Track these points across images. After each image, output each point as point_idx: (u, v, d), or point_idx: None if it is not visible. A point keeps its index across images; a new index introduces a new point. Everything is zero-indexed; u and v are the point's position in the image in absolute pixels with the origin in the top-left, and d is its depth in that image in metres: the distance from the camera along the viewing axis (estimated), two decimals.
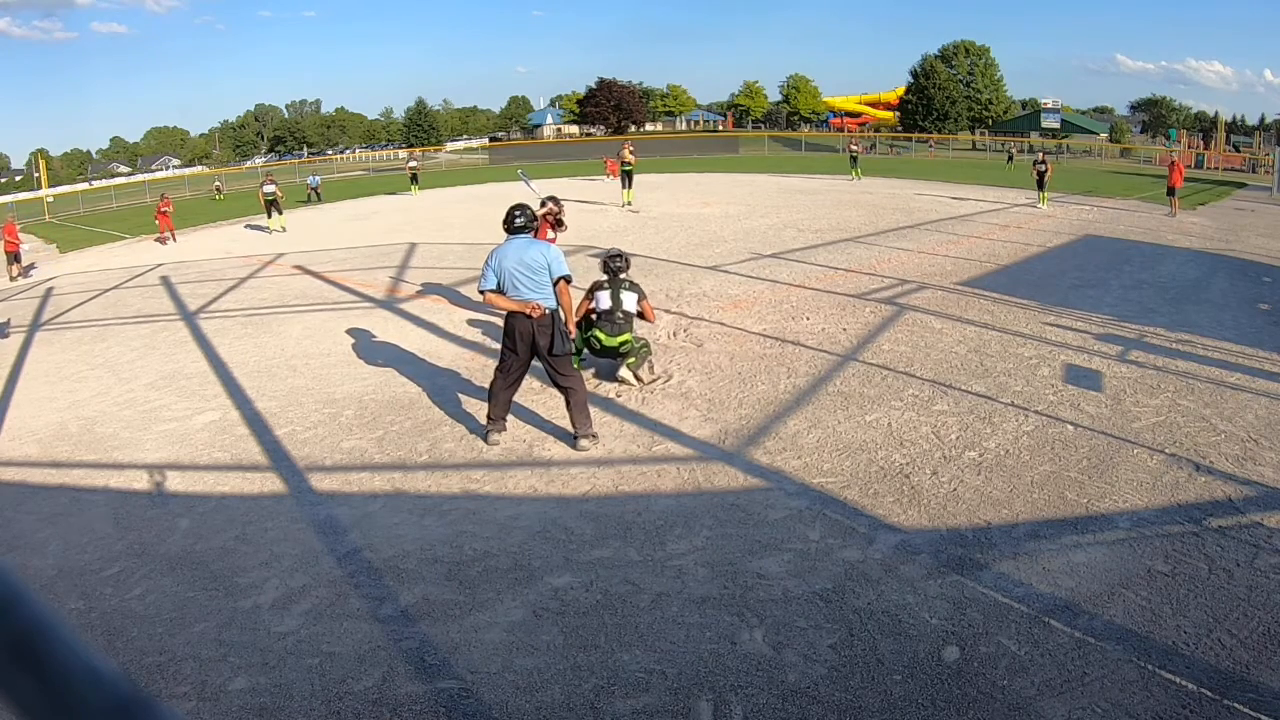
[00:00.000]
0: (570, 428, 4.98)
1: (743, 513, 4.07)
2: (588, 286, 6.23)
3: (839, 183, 24.05)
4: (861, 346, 6.93)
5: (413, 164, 27.60)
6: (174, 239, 17.57)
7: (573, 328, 4.96)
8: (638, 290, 6.07)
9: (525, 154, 46.80)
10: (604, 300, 5.98)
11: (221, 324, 8.91)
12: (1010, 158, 35.05)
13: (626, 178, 18.99)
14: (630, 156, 19.04)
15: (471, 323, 8.25)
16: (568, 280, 4.89)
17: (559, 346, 4.81)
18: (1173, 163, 17.47)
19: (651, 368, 6.33)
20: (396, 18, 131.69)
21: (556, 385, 4.97)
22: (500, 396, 5.00)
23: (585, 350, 6.06)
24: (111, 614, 3.44)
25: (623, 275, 6.09)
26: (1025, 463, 4.56)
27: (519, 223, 4.89)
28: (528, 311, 4.74)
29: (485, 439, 5.08)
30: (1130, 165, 36.15)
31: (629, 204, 18.58)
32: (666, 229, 14.67)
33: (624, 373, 6.04)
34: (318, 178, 27.70)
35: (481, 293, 4.87)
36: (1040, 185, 17.51)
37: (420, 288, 10.25)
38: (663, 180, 25.69)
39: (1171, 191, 16.64)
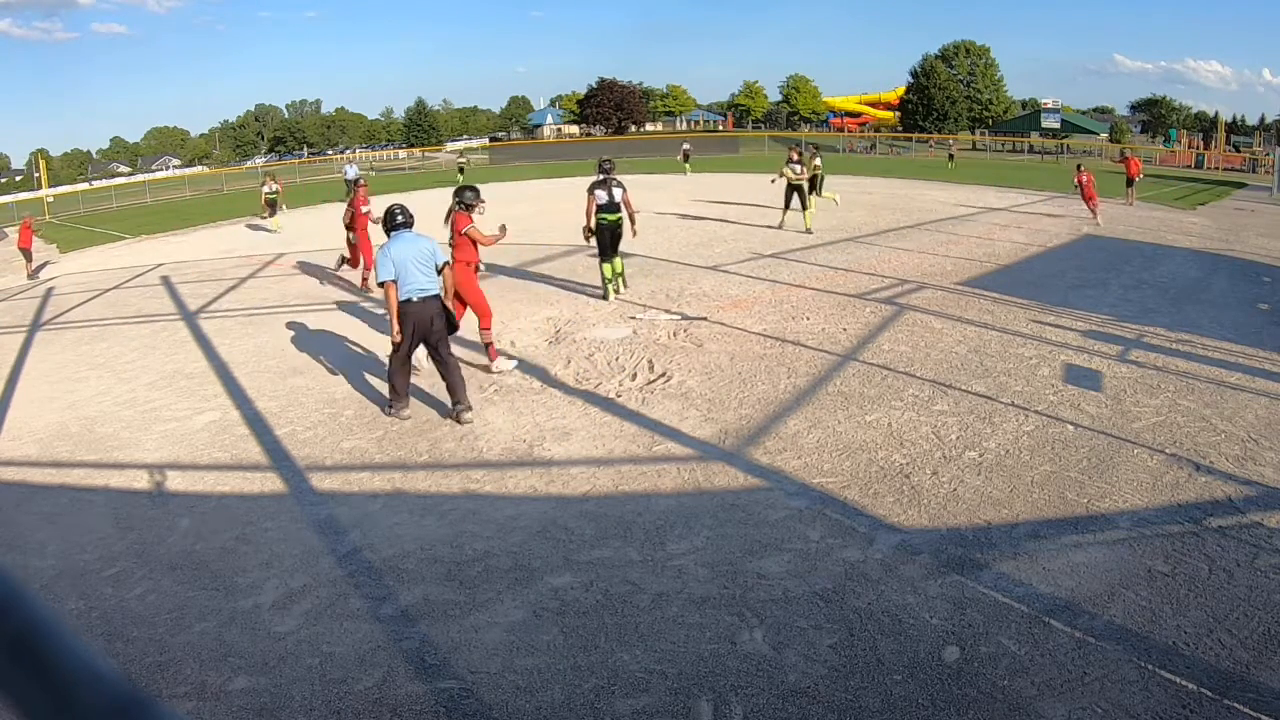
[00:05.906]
0: (450, 402, 5.52)
1: (743, 513, 4.07)
2: (589, 186, 8.52)
3: (840, 182, 24.01)
4: (861, 346, 6.93)
5: (461, 160, 28.83)
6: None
7: (451, 302, 5.61)
8: (622, 186, 8.60)
9: (525, 154, 46.78)
10: (602, 196, 8.44)
11: (222, 324, 8.91)
12: (951, 156, 34.97)
13: (811, 184, 13.96)
14: (799, 166, 13.56)
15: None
16: (450, 265, 5.67)
17: (448, 324, 5.55)
18: (1125, 157, 19.90)
19: (651, 367, 6.43)
20: (396, 18, 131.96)
21: (436, 360, 5.51)
22: (400, 375, 5.55)
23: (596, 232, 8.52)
24: (111, 614, 3.44)
25: (613, 174, 8.62)
26: (1025, 463, 4.56)
27: (400, 220, 5.54)
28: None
29: (397, 415, 5.57)
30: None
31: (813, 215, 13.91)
32: (667, 229, 14.66)
33: (618, 287, 8.95)
34: (354, 168, 26.42)
35: (381, 283, 5.35)
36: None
37: None
38: (663, 180, 25.69)
39: (1130, 183, 18.27)
